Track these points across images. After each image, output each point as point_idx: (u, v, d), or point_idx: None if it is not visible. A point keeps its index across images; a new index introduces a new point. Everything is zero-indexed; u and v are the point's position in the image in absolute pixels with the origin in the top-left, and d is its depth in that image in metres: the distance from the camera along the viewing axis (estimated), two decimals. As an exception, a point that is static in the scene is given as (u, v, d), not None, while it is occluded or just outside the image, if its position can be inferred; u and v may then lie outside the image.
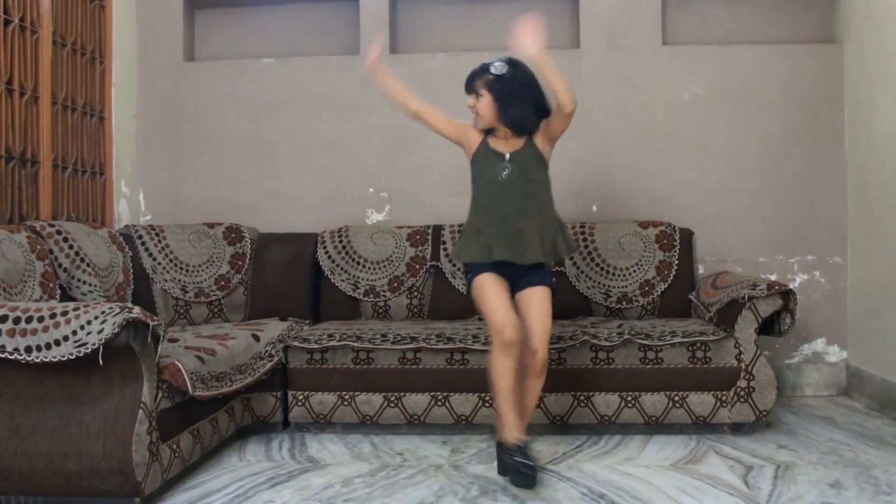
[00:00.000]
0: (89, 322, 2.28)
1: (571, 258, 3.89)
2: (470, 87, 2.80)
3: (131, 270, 3.64)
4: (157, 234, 3.90)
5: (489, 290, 2.73)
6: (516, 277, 2.78)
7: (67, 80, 3.69)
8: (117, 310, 2.31)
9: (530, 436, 3.11)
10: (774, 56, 4.14)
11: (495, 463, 2.85)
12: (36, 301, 2.87)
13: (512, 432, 2.69)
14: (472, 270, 2.79)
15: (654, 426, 3.31)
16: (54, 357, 2.27)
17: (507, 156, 2.76)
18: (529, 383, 2.75)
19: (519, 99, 2.74)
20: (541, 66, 2.67)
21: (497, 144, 2.80)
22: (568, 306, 3.84)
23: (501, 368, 2.67)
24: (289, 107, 4.31)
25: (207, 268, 3.93)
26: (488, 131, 2.82)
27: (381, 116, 4.26)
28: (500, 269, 2.75)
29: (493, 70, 2.75)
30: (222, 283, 3.92)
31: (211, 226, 4.05)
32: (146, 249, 3.82)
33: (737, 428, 3.31)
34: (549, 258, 2.79)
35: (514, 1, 4.34)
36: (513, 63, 2.75)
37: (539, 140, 2.81)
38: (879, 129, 3.71)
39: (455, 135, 2.88)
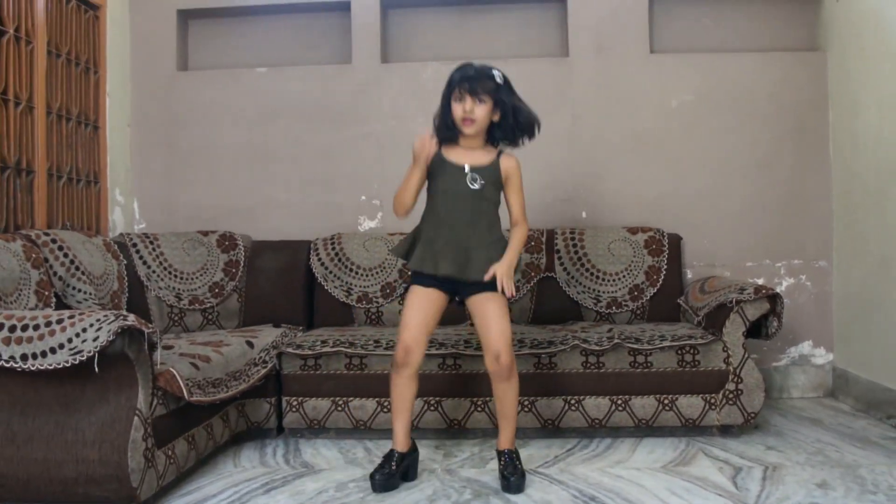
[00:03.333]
0: (84, 330, 2.28)
1: (562, 265, 3.90)
2: (475, 89, 2.62)
3: (126, 278, 3.64)
4: (151, 243, 3.90)
5: (414, 305, 2.73)
6: (463, 285, 2.73)
7: (62, 90, 3.70)
8: (112, 317, 2.30)
9: (521, 440, 3.13)
10: (761, 64, 4.17)
11: (487, 466, 2.86)
12: (31, 309, 2.87)
13: (394, 443, 2.77)
14: (413, 277, 2.79)
15: (645, 429, 3.33)
16: (50, 365, 2.27)
17: (467, 168, 2.69)
18: (500, 389, 2.73)
19: (517, 109, 2.67)
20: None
21: (453, 155, 2.72)
22: (558, 311, 3.86)
23: (392, 384, 2.77)
24: (282, 115, 4.32)
25: (201, 275, 3.93)
26: (443, 141, 2.73)
27: (372, 124, 4.27)
28: (445, 280, 2.72)
29: (497, 77, 2.65)
30: (216, 290, 3.92)
31: (205, 234, 4.05)
32: (140, 257, 3.82)
33: (726, 430, 3.32)
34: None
35: (504, 9, 4.39)
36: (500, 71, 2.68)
37: (503, 165, 2.73)
38: (863, 135, 3.74)
39: (426, 162, 2.72)
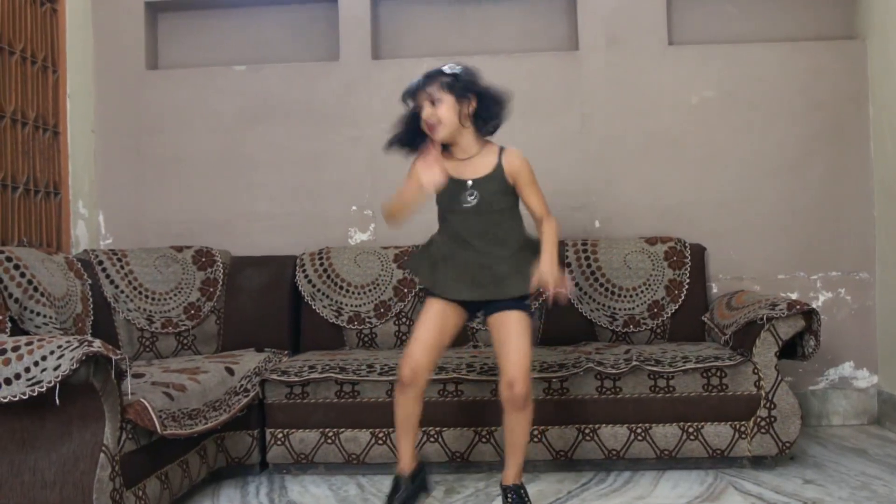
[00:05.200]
0: (44, 357, 2.26)
1: (574, 280, 3.90)
2: (418, 95, 2.70)
3: (91, 300, 3.63)
4: (119, 260, 3.89)
5: (430, 320, 2.75)
6: (488, 303, 2.73)
7: (17, 92, 3.70)
8: (75, 343, 2.29)
9: (530, 473, 3.11)
10: (791, 54, 4.18)
11: (493, 505, 2.85)
12: (-15, 335, 2.86)
13: (401, 465, 2.76)
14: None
15: (667, 461, 3.32)
16: (4, 398, 2.25)
17: (470, 183, 2.71)
18: (512, 419, 2.70)
19: (483, 92, 2.69)
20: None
21: (455, 169, 2.72)
22: (570, 331, 3.85)
23: (397, 403, 2.76)
24: (263, 118, 4.33)
25: (175, 295, 3.93)
26: (443, 151, 2.74)
27: (363, 127, 4.28)
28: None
29: (447, 70, 2.70)
30: (192, 311, 3.91)
31: (179, 249, 4.05)
32: (107, 276, 3.82)
33: (758, 461, 3.31)
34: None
35: (505, 0, 4.40)
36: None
37: (507, 167, 2.73)
38: (906, 132, 3.74)
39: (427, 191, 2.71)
